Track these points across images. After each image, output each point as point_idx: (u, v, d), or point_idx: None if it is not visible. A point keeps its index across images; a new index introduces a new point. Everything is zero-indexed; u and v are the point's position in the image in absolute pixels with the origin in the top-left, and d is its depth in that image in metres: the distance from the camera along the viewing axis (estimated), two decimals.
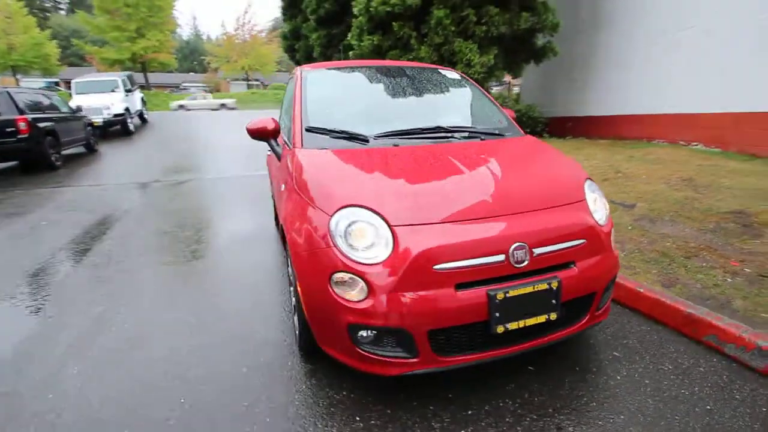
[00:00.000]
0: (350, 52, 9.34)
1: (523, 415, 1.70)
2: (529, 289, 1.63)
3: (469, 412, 1.72)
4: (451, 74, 3.04)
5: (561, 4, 8.62)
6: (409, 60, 7.81)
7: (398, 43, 8.12)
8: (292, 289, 2.13)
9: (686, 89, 6.92)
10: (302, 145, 2.23)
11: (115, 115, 11.41)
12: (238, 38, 40.34)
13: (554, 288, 1.67)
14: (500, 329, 1.62)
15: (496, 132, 2.48)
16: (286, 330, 2.36)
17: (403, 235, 1.60)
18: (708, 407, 1.73)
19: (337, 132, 2.27)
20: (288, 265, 2.20)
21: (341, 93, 2.76)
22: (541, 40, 8.78)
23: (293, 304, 2.12)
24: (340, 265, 1.60)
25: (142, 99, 14.83)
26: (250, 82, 44.82)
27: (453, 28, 7.55)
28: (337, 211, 1.68)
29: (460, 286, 1.59)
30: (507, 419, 1.69)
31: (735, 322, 2.09)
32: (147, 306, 2.71)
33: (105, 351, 2.21)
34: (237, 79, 44.96)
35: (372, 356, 1.63)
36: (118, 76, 12.73)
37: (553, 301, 1.69)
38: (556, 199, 1.85)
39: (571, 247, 1.75)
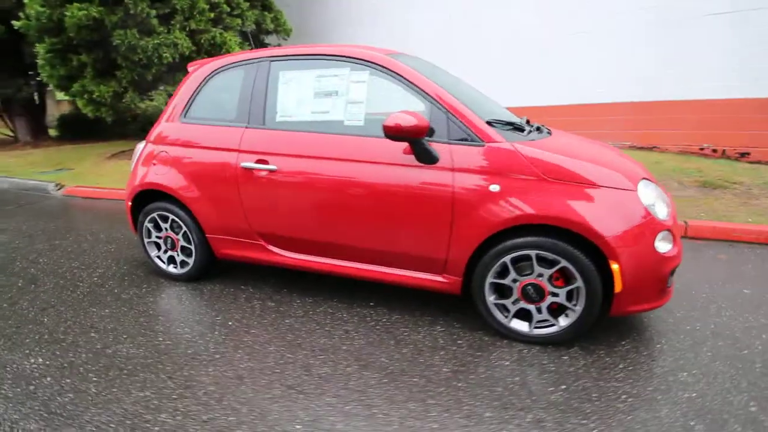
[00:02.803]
0: (17, 23, 6.05)
1: None
2: None
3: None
4: None
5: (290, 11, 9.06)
6: (158, 45, 6.08)
7: (131, 21, 6.08)
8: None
9: None
10: (503, 138, 1.97)
11: None
12: None
13: None
14: None
15: None
16: None
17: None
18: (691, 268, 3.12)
19: (513, 123, 2.12)
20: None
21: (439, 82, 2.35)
22: (275, 42, 8.91)
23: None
24: (660, 227, 1.93)
25: None
26: None
27: (211, 15, 6.49)
28: (636, 186, 1.96)
29: None
30: None
31: None
32: None
33: None
34: None
35: (669, 288, 2.04)
36: None
37: None
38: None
39: None
